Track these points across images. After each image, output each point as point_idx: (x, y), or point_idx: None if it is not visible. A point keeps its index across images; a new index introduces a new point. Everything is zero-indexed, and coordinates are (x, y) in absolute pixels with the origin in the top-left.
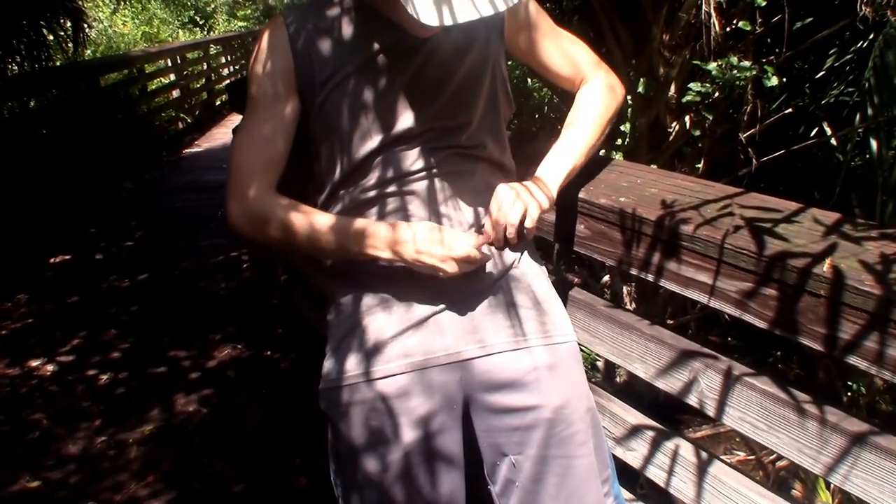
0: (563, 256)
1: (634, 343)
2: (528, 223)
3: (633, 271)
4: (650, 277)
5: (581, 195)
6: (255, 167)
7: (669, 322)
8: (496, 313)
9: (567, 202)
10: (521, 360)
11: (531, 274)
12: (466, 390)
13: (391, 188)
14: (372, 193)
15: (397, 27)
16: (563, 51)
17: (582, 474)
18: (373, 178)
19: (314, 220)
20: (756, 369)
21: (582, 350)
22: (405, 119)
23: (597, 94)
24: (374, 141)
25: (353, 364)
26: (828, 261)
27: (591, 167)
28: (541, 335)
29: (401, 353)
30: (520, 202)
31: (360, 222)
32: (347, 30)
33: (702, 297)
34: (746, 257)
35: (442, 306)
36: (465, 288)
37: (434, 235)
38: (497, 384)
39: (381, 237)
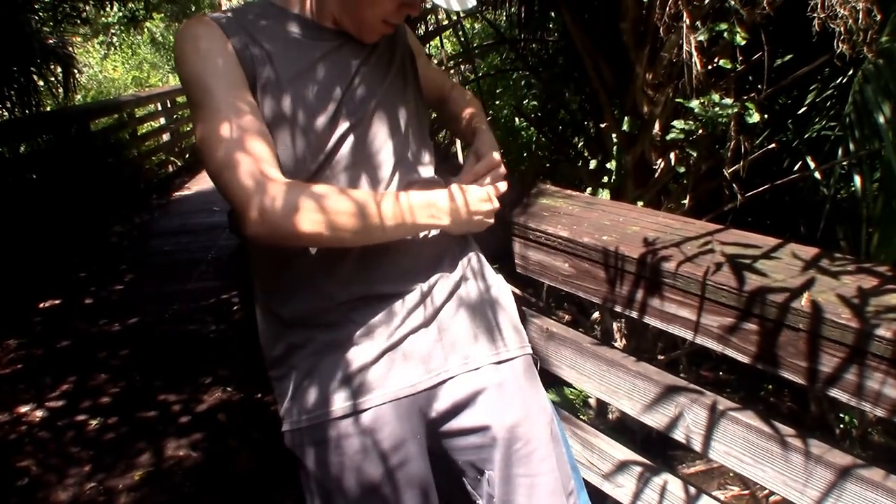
0: (551, 293)
1: (621, 380)
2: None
3: (618, 309)
4: (634, 314)
5: (565, 234)
6: (267, 165)
7: (660, 357)
8: (445, 340)
9: (551, 240)
10: (470, 382)
11: (481, 288)
12: (427, 418)
13: None
14: None
15: (335, 35)
16: (438, 72)
17: (547, 491)
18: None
19: (360, 198)
20: (745, 403)
21: (572, 388)
22: (340, 131)
23: (467, 97)
24: (314, 157)
25: (311, 404)
26: (806, 295)
27: (574, 206)
28: (489, 354)
29: (357, 392)
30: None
31: (413, 195)
32: (284, 37)
33: (685, 333)
34: (727, 293)
35: (393, 342)
36: (415, 318)
37: (475, 195)
38: (451, 408)
39: (442, 205)
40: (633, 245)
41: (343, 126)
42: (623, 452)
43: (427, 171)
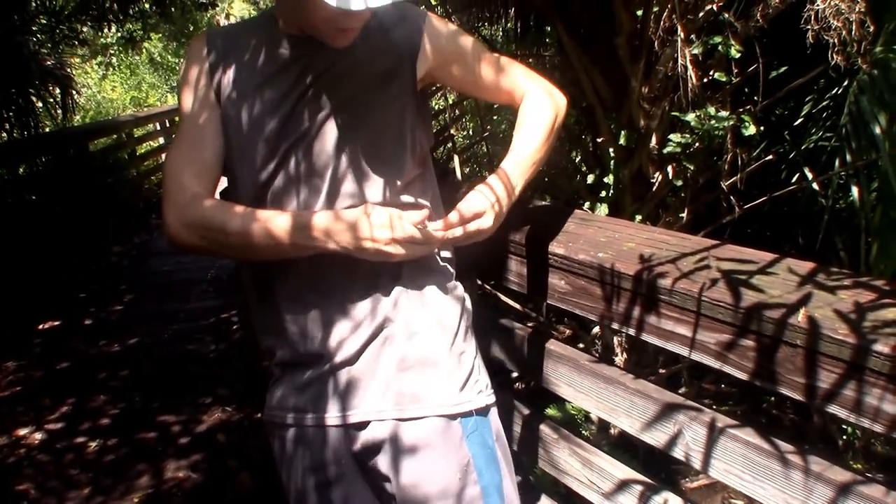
0: (550, 309)
1: (619, 397)
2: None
3: (615, 326)
4: (632, 332)
5: (560, 251)
6: (188, 175)
7: (661, 371)
8: (363, 382)
9: (548, 258)
10: (379, 430)
11: (403, 334)
12: (352, 450)
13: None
14: None
15: (304, 44)
16: (496, 71)
17: None
18: (275, 201)
19: (248, 217)
20: (745, 419)
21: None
22: (289, 141)
23: (537, 104)
24: (271, 164)
25: (271, 404)
26: (803, 311)
27: (570, 223)
28: (392, 408)
29: (298, 408)
30: (488, 216)
31: (295, 215)
32: (257, 47)
33: (682, 350)
34: (723, 309)
35: (324, 371)
36: (345, 351)
37: (370, 220)
38: (366, 449)
39: (318, 227)
40: (629, 262)
41: (291, 137)
42: (624, 471)
43: (396, 190)
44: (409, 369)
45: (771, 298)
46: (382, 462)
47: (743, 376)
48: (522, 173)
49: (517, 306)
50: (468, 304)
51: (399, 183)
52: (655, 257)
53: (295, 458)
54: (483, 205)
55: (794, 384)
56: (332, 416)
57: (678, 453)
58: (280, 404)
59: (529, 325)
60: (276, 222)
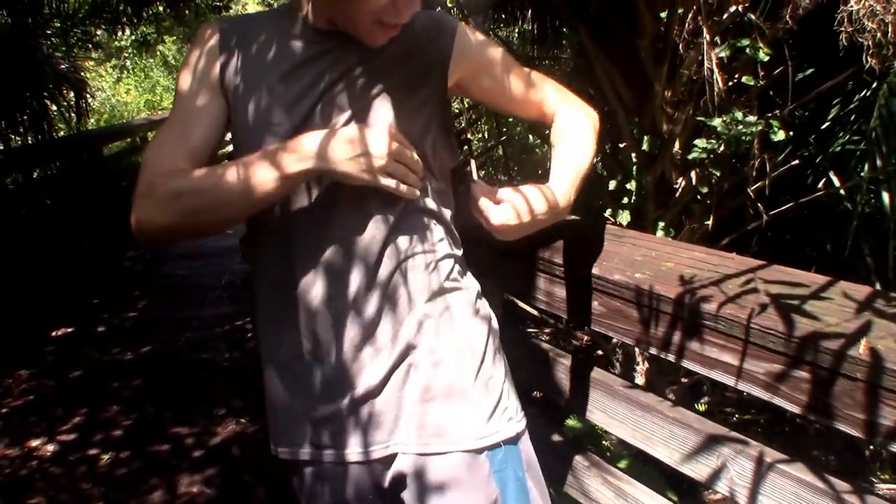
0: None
1: (657, 426)
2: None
3: (653, 351)
4: (671, 357)
5: (595, 270)
6: (166, 162)
7: (683, 380)
8: (388, 413)
9: (579, 277)
10: (405, 463)
11: (453, 353)
12: (382, 486)
13: (301, 220)
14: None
15: (332, 37)
16: (526, 85)
17: None
18: (285, 205)
19: (235, 165)
20: (771, 427)
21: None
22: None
23: (576, 120)
24: None
25: (276, 439)
26: (863, 341)
27: (603, 240)
28: (419, 441)
29: (309, 443)
30: (522, 226)
31: (276, 147)
32: (274, 38)
33: (728, 380)
34: (775, 338)
35: (346, 404)
36: (366, 378)
37: (366, 135)
38: (395, 483)
39: (302, 147)
40: (668, 283)
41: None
42: (660, 502)
43: (418, 198)
44: (432, 400)
45: (827, 327)
46: (407, 497)
47: (795, 409)
48: (566, 193)
49: (534, 312)
50: (495, 323)
51: (434, 189)
52: (697, 279)
53: (314, 494)
54: (507, 196)
55: (852, 420)
56: (354, 452)
57: (722, 488)
58: (297, 440)
59: (547, 330)
60: (257, 160)
